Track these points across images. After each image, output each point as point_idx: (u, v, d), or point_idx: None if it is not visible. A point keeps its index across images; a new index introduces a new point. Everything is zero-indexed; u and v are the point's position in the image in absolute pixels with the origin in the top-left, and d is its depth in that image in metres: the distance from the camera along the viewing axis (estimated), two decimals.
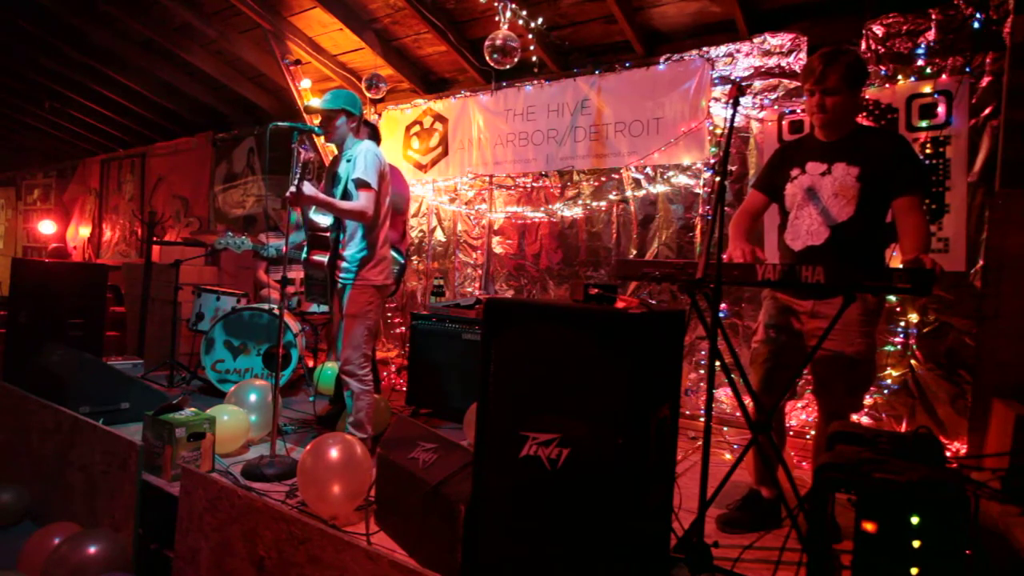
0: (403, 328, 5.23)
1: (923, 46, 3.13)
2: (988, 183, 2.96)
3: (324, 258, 2.78)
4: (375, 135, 3.40)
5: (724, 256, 2.14)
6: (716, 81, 3.79)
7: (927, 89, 3.11)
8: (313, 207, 2.75)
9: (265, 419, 3.10)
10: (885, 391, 3.20)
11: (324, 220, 2.79)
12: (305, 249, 2.85)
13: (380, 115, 5.58)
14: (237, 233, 3.57)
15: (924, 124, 3.11)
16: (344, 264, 2.79)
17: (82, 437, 2.36)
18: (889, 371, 3.20)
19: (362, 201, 2.69)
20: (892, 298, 3.09)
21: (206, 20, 5.05)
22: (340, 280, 2.80)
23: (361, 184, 2.70)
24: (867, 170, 2.13)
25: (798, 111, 3.48)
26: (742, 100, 3.60)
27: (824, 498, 1.51)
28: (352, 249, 2.79)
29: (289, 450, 3.00)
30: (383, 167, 2.81)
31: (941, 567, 1.32)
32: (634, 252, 4.13)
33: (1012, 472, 2.10)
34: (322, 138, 2.89)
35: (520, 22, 4.01)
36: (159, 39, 5.52)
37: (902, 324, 3.17)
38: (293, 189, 2.55)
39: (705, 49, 3.82)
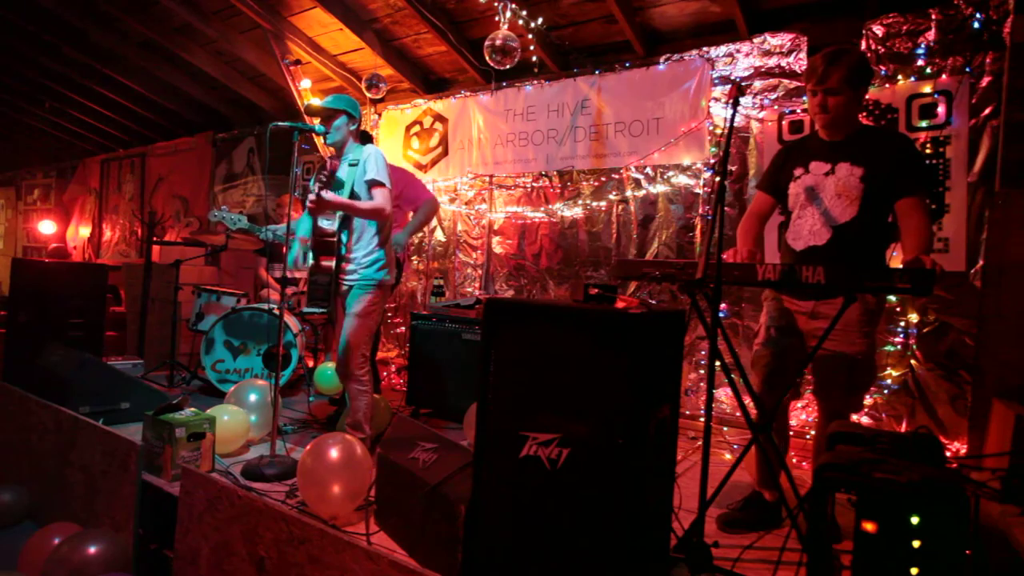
0: (403, 328, 5.23)
1: (923, 46, 3.13)
2: (988, 183, 2.96)
3: (331, 263, 2.79)
4: (366, 138, 3.41)
5: (726, 257, 2.14)
6: (716, 81, 3.79)
7: (927, 89, 3.11)
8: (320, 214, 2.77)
9: (265, 419, 3.10)
10: (885, 391, 3.21)
11: (330, 225, 2.81)
12: (312, 255, 2.84)
13: (380, 115, 5.58)
14: (235, 209, 3.52)
15: (924, 124, 3.11)
16: (350, 267, 2.80)
17: (82, 437, 2.36)
18: (889, 371, 3.20)
19: (380, 200, 2.73)
20: (892, 298, 3.09)
21: (206, 20, 5.05)
22: (346, 282, 2.81)
23: (376, 184, 2.74)
24: (871, 171, 2.12)
25: (798, 111, 3.48)
26: (742, 100, 3.60)
27: (824, 498, 1.51)
28: (361, 251, 2.80)
29: (289, 450, 3.00)
30: (388, 170, 2.85)
31: (941, 567, 1.32)
32: (634, 252, 4.13)
33: (1012, 472, 2.10)
34: (322, 138, 2.90)
35: (520, 22, 4.01)
36: (159, 39, 5.52)
37: (902, 324, 3.17)
38: (313, 197, 2.57)
39: (705, 49, 3.82)
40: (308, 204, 2.63)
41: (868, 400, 3.19)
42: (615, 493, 1.51)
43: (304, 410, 3.89)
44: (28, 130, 9.00)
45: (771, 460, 2.12)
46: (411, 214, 3.82)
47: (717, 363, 1.91)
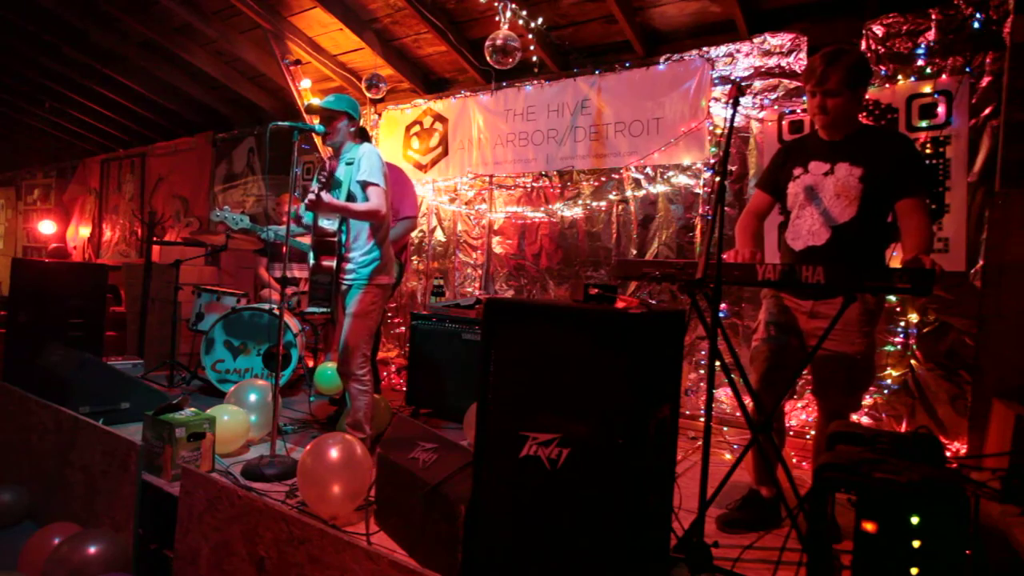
0: (403, 328, 5.23)
1: (923, 46, 3.13)
2: (988, 183, 2.96)
3: (332, 263, 2.79)
4: (364, 136, 3.39)
5: (726, 257, 2.14)
6: (716, 81, 3.79)
7: (927, 89, 3.11)
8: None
9: (265, 419, 3.10)
10: (885, 391, 3.20)
11: (331, 225, 2.81)
12: (312, 255, 2.84)
13: (380, 115, 5.58)
14: (236, 209, 3.49)
15: (924, 124, 3.11)
16: (349, 266, 2.80)
17: (82, 437, 2.36)
18: (889, 371, 3.20)
19: (375, 201, 2.73)
20: (892, 298, 3.09)
21: (206, 20, 5.05)
22: (345, 281, 2.81)
23: (370, 184, 2.73)
24: (870, 171, 2.12)
25: (798, 111, 3.48)
26: (742, 100, 3.60)
27: (824, 498, 1.51)
28: (358, 251, 2.80)
29: (289, 450, 3.00)
30: (385, 168, 2.84)
31: (941, 567, 1.32)
32: (634, 252, 4.13)
33: (1012, 472, 2.10)
34: (322, 138, 2.89)
35: (520, 22, 4.01)
36: (159, 39, 5.52)
37: (902, 324, 3.17)
38: (312, 196, 2.58)
39: (705, 49, 3.82)
40: (306, 202, 2.64)
41: (868, 400, 3.19)
42: (615, 493, 1.51)
43: (304, 410, 3.89)
44: (28, 130, 9.00)
45: (768, 456, 2.12)
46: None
47: (717, 363, 1.91)
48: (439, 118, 5.16)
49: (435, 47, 4.74)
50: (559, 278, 4.52)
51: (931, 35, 3.11)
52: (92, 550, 1.95)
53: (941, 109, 3.07)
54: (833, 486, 1.47)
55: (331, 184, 2.83)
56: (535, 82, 4.56)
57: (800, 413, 3.43)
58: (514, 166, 4.70)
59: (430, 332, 3.94)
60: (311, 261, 2.83)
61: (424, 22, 4.34)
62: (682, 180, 3.95)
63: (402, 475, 2.09)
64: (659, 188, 4.04)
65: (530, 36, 4.10)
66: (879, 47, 3.25)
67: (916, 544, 1.33)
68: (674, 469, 1.93)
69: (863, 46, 3.28)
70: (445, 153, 5.12)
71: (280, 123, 2.76)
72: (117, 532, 2.11)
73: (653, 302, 2.96)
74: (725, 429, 3.54)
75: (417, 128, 5.32)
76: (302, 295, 4.33)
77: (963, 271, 3.01)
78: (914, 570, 1.33)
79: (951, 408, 3.04)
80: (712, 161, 3.80)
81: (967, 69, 3.02)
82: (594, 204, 4.33)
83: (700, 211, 3.86)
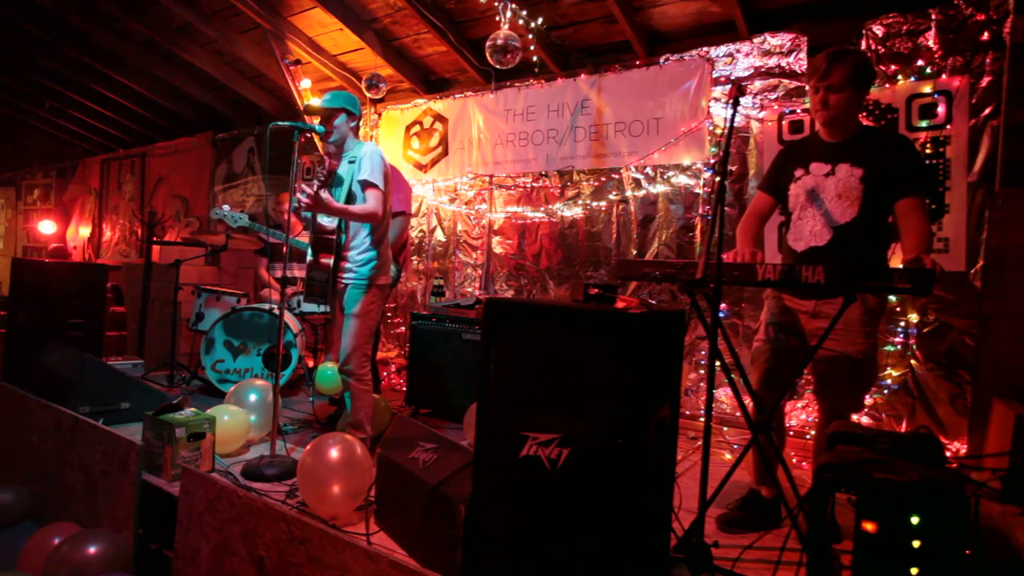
0: (403, 328, 5.23)
1: (923, 46, 3.13)
2: (988, 183, 2.96)
3: (330, 260, 2.79)
4: None
5: (726, 257, 2.14)
6: (716, 81, 3.79)
7: (927, 89, 3.11)
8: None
9: (265, 419, 3.10)
10: (885, 391, 3.21)
11: (330, 223, 2.80)
12: (311, 252, 2.84)
13: (380, 115, 5.58)
14: (236, 208, 3.49)
15: (924, 124, 3.11)
16: (347, 265, 2.80)
17: (82, 437, 2.36)
18: (889, 371, 3.20)
19: (372, 203, 2.72)
20: (892, 298, 3.09)
21: (206, 20, 5.06)
22: (343, 280, 2.81)
23: (369, 185, 2.73)
24: (871, 172, 2.12)
25: (798, 111, 3.48)
26: (742, 100, 3.60)
27: (824, 498, 1.51)
28: (356, 250, 2.80)
29: (289, 450, 3.00)
30: (387, 168, 2.84)
31: (941, 567, 1.32)
32: (634, 252, 4.13)
33: (1012, 472, 2.10)
34: (322, 138, 2.89)
35: (520, 22, 4.01)
36: (159, 39, 5.53)
37: (902, 324, 3.17)
38: (311, 192, 2.56)
39: (705, 49, 3.82)
40: (304, 201, 2.59)
41: (868, 400, 3.19)
42: (615, 493, 1.51)
43: (304, 410, 3.89)
44: (28, 130, 9.00)
45: (768, 457, 2.12)
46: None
47: (717, 363, 1.91)
48: (439, 118, 5.16)
49: (435, 47, 4.74)
50: (559, 278, 4.52)
51: (931, 35, 3.11)
52: (92, 550, 1.96)
53: (941, 109, 3.07)
54: (833, 486, 1.47)
55: (331, 182, 2.83)
56: (535, 82, 4.56)
57: (800, 413, 3.43)
58: (514, 166, 4.70)
59: (430, 332, 3.94)
60: (309, 258, 2.83)
61: (424, 22, 4.34)
62: (682, 180, 3.95)
63: (402, 475, 2.09)
64: (659, 188, 4.04)
65: (530, 36, 4.10)
66: (879, 47, 3.25)
67: (916, 544, 1.33)
68: (674, 469, 1.93)
69: (863, 46, 3.28)
70: (445, 153, 5.12)
71: (280, 123, 2.76)
72: (117, 532, 2.11)
73: (653, 302, 2.96)
74: (725, 429, 3.54)
75: (417, 128, 5.32)
76: (302, 295, 4.33)
77: (963, 271, 3.01)
78: (914, 570, 1.33)
79: (951, 408, 3.05)
80: (712, 161, 3.80)
81: (967, 69, 3.02)
82: (594, 204, 4.33)
83: (700, 211, 3.86)
